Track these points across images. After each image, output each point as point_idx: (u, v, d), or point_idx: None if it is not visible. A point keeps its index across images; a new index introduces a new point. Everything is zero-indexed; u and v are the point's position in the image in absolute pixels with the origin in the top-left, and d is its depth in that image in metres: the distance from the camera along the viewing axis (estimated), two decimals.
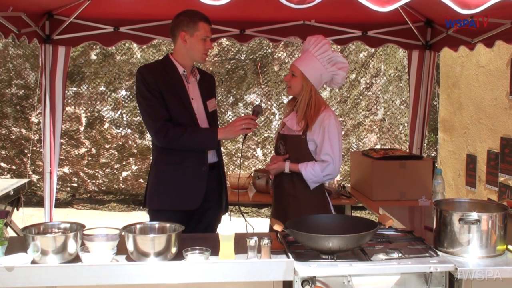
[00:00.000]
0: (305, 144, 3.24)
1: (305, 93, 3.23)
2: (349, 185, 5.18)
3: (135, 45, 5.03)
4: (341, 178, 7.29)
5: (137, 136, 7.85)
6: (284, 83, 7.61)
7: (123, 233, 2.43)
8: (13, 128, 7.86)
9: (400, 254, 2.42)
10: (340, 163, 3.21)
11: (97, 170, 7.95)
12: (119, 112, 7.80)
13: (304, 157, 3.25)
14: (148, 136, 7.59)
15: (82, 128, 7.84)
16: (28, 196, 7.68)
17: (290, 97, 3.49)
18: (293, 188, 3.28)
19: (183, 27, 3.14)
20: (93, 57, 7.70)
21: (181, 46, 3.18)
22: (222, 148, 3.44)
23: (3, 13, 3.45)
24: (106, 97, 7.79)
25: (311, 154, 3.25)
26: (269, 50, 7.55)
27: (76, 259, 2.38)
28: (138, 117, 7.52)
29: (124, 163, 7.94)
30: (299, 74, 3.23)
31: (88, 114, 7.80)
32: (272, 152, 7.57)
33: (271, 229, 3.14)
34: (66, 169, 7.93)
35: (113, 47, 4.76)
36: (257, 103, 7.63)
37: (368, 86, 7.55)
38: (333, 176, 3.23)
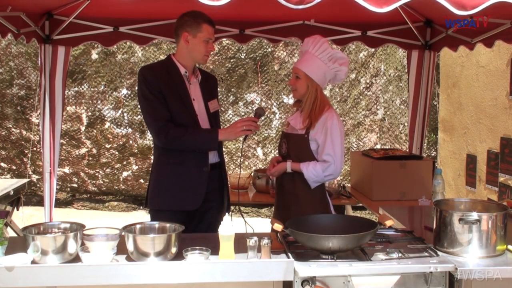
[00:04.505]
0: (307, 144, 3.26)
1: (310, 94, 3.25)
2: (349, 185, 5.18)
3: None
4: (341, 178, 7.29)
5: (138, 135, 7.85)
6: (284, 82, 7.63)
7: (123, 233, 2.43)
8: (13, 129, 7.86)
9: (400, 254, 2.42)
10: (341, 163, 3.22)
11: (97, 170, 7.95)
12: (120, 111, 7.79)
13: (306, 156, 3.26)
14: (149, 135, 7.59)
15: (83, 128, 7.83)
16: (28, 196, 7.68)
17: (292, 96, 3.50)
18: (294, 186, 3.30)
19: (186, 28, 3.14)
20: (94, 56, 7.70)
21: (183, 47, 3.18)
22: (222, 148, 3.44)
23: (2, 13, 3.45)
24: (107, 96, 7.79)
25: (312, 154, 3.26)
26: (269, 49, 7.55)
27: (76, 259, 2.38)
28: (139, 116, 7.52)
29: (124, 163, 7.94)
30: (303, 76, 3.24)
31: (89, 113, 7.80)
32: (273, 151, 7.62)
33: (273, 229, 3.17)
34: (66, 169, 7.93)
35: (114, 46, 4.76)
36: (257, 102, 7.63)
37: (368, 85, 7.55)
38: (334, 176, 3.25)
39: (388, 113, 7.58)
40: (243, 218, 3.26)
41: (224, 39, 5.23)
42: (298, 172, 3.26)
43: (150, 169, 3.38)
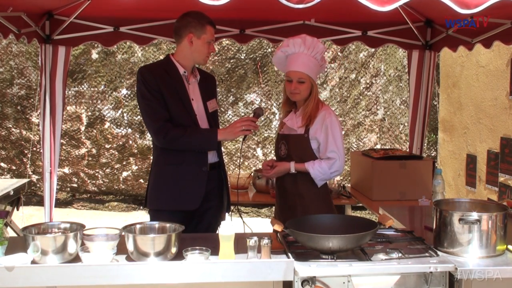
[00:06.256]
0: (308, 143, 3.27)
1: (313, 94, 3.27)
2: (349, 185, 5.18)
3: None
4: (341, 178, 7.29)
5: (138, 136, 7.85)
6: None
7: (123, 233, 2.43)
8: (13, 129, 7.86)
9: (400, 254, 2.42)
10: (344, 158, 3.25)
11: (97, 170, 7.95)
12: (119, 111, 7.79)
13: (307, 156, 3.27)
14: (148, 136, 7.59)
15: (83, 128, 7.84)
16: (28, 196, 7.68)
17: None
18: (297, 187, 3.30)
19: (191, 29, 3.12)
20: (95, 55, 7.70)
21: (185, 47, 3.17)
22: (222, 148, 3.44)
23: (3, 13, 3.45)
24: (107, 96, 7.79)
25: (313, 153, 3.27)
26: (269, 50, 7.55)
27: (76, 259, 2.38)
28: (139, 116, 7.52)
29: (124, 163, 7.94)
30: (308, 79, 3.24)
31: (89, 113, 7.80)
32: (273, 151, 7.62)
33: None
34: (66, 169, 7.93)
35: (114, 46, 4.77)
36: (257, 102, 7.63)
37: (368, 86, 7.55)
38: (339, 172, 3.26)
39: (388, 113, 7.58)
40: (242, 218, 3.25)
41: (224, 39, 5.23)
42: (301, 172, 3.26)
43: (150, 169, 3.38)
